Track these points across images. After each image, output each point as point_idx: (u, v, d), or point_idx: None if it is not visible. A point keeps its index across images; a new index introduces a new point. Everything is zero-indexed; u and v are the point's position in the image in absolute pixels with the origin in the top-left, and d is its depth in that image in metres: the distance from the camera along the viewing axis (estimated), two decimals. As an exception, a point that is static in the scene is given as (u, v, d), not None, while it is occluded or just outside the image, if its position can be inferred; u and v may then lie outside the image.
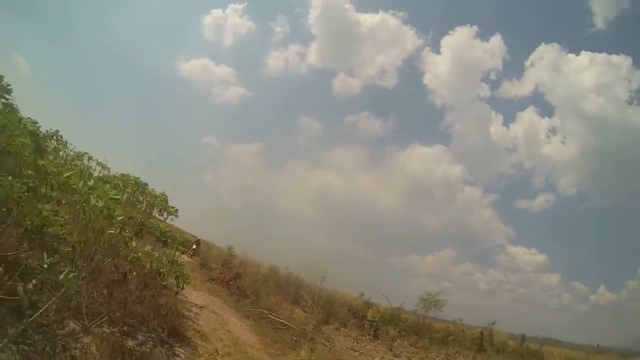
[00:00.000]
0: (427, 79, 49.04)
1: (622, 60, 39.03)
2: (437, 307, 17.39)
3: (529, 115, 43.84)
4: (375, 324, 15.72)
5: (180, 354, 6.34)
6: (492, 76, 47.10)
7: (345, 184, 46.73)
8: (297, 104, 57.54)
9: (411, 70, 52.11)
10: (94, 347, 4.62)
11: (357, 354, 12.89)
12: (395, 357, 13.93)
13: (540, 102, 51.43)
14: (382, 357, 13.42)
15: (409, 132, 61.81)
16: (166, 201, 13.48)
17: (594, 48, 48.83)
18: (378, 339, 15.13)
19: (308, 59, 50.82)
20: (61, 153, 10.60)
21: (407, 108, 56.19)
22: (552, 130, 42.18)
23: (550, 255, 39.39)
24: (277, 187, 47.31)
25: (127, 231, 6.25)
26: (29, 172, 5.16)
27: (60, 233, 5.34)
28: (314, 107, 59.71)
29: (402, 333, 15.85)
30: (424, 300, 17.64)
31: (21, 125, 5.47)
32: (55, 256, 4.15)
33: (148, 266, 6.62)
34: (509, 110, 54.94)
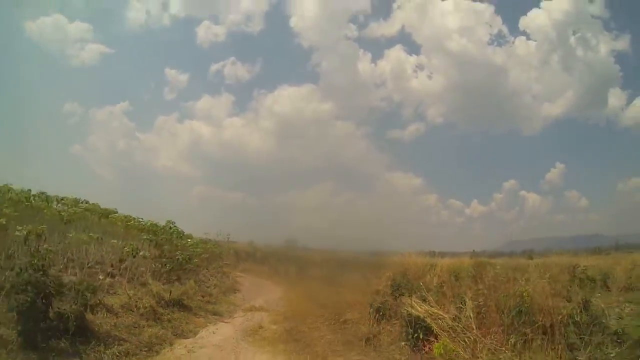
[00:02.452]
0: (294, 22, 48.85)
1: (485, 8, 42.98)
2: None
3: (396, 52, 45.24)
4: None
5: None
6: (361, 17, 48.92)
7: (215, 132, 46.27)
8: (162, 57, 55.01)
9: (278, 14, 50.47)
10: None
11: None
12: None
13: (407, 41, 52.80)
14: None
15: (277, 75, 59.27)
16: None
17: (460, -6, 52.84)
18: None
19: (170, 9, 47.67)
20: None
21: (274, 51, 56.14)
22: (419, 67, 45.12)
23: (425, 178, 41.65)
24: (149, 146, 46.08)
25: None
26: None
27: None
28: (178, 58, 58.12)
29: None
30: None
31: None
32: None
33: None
34: (377, 48, 54.53)
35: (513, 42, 44.67)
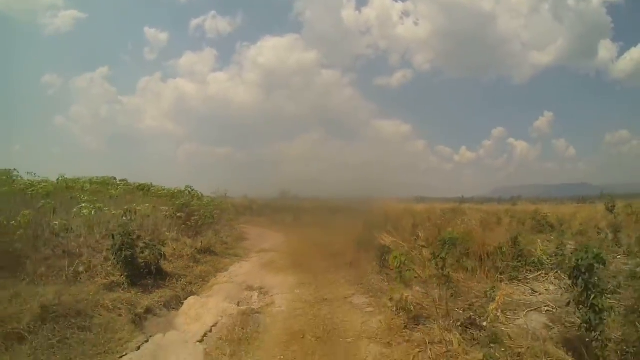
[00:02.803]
0: None
1: None
2: None
3: None
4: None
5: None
6: None
7: (200, 89, 47.82)
8: (139, 17, 53.57)
9: None
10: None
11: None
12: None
13: None
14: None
15: (259, 26, 60.73)
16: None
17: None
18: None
19: None
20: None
21: (255, 2, 56.74)
22: (405, 13, 46.56)
23: (413, 125, 44.66)
24: (133, 109, 46.09)
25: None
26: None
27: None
28: (156, 16, 56.36)
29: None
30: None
31: None
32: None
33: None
34: None
35: None
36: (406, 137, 42.76)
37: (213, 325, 5.15)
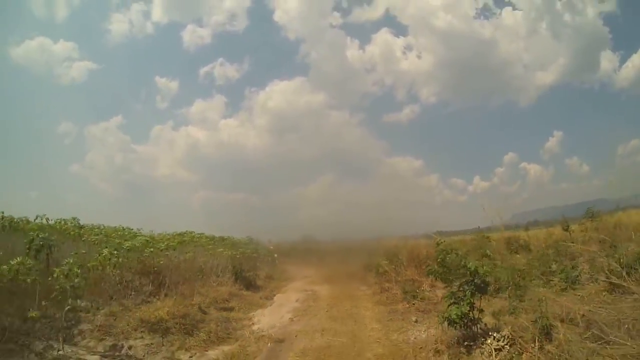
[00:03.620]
0: (278, 15, 47.56)
1: None
2: None
3: (383, 36, 45.17)
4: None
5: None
6: (344, 4, 50.00)
7: (211, 135, 46.57)
8: (150, 66, 53.44)
9: (261, 9, 49.40)
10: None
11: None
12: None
13: (393, 24, 54.73)
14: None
15: (267, 71, 60.95)
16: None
17: (441, -29, 46.80)
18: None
19: (153, 17, 47.22)
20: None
21: (262, 47, 54.52)
22: (408, 47, 45.21)
23: (425, 159, 43.80)
24: (147, 157, 45.65)
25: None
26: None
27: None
28: (166, 65, 56.70)
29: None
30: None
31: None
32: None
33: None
34: (363, 34, 55.79)
35: (500, 14, 42.50)
36: (418, 173, 41.70)
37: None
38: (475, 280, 6.04)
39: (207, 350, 6.93)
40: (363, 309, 9.92)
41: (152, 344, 6.79)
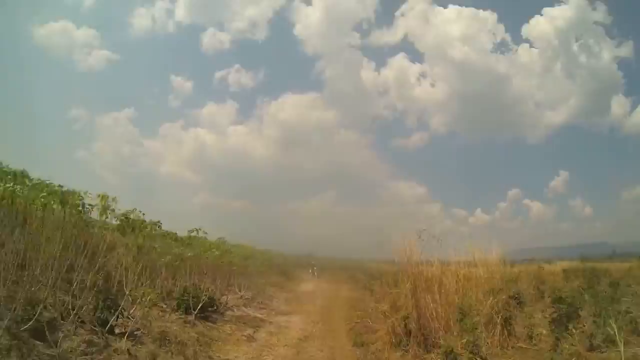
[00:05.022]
0: (298, 29, 47.56)
1: (488, 16, 43.66)
2: None
3: (399, 61, 46.30)
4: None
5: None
6: (364, 25, 50.03)
7: (219, 140, 46.63)
8: (167, 64, 54.14)
9: (282, 22, 49.71)
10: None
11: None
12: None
13: (410, 50, 54.13)
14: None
15: (281, 83, 62.46)
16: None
17: (462, 2, 48.59)
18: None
19: (176, 16, 47.74)
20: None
21: (279, 59, 55.54)
22: (422, 75, 45.50)
23: (429, 187, 43.21)
24: (154, 153, 45.91)
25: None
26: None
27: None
28: (183, 65, 57.48)
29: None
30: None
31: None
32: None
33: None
34: (380, 57, 57.38)
35: (516, 50, 42.06)
36: (421, 199, 41.81)
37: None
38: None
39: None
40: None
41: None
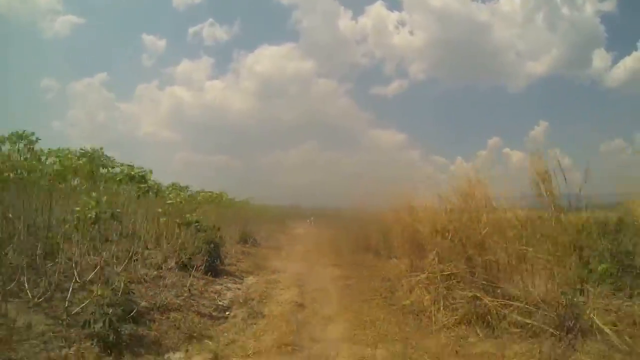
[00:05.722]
0: None
1: None
2: None
3: (377, 9, 45.12)
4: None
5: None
6: None
7: (197, 96, 46.02)
8: (137, 23, 50.90)
9: None
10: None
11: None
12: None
13: None
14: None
15: (257, 35, 59.43)
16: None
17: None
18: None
19: None
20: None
21: (253, 11, 52.36)
22: (401, 23, 45.08)
23: (409, 134, 42.54)
24: (131, 116, 44.82)
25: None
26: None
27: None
28: (154, 23, 54.29)
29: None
30: None
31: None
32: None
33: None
34: (357, 5, 56.14)
35: None
36: (401, 146, 40.67)
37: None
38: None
39: None
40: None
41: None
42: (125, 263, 5.82)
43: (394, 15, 43.32)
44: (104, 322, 3.82)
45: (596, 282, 4.67)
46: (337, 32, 44.83)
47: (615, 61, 36.38)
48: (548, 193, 4.90)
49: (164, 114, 43.63)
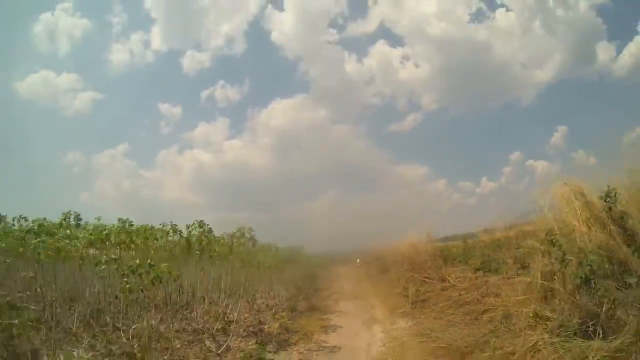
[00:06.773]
0: (275, 36, 43.80)
1: None
2: None
3: (380, 48, 42.43)
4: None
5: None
6: (339, 20, 46.56)
7: (216, 157, 43.70)
8: (152, 93, 40.01)
9: (258, 31, 46.14)
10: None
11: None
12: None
13: (389, 35, 40.96)
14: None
15: (267, 90, 40.95)
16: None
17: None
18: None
19: (152, 45, 44.23)
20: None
21: (261, 68, 42.98)
22: (405, 57, 42.40)
23: (431, 165, 40.34)
24: (154, 183, 43.26)
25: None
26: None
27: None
28: (168, 91, 46.58)
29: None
30: None
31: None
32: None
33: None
34: (360, 47, 42.32)
35: (493, 17, 39.98)
36: (425, 179, 41.01)
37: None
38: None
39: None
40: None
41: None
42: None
43: (397, 52, 41.25)
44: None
45: None
46: (345, 77, 43.46)
47: (619, 50, 35.87)
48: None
49: (186, 177, 42.40)
